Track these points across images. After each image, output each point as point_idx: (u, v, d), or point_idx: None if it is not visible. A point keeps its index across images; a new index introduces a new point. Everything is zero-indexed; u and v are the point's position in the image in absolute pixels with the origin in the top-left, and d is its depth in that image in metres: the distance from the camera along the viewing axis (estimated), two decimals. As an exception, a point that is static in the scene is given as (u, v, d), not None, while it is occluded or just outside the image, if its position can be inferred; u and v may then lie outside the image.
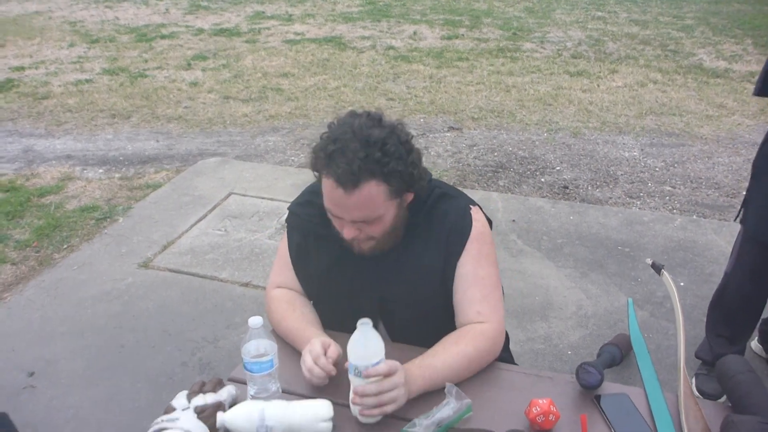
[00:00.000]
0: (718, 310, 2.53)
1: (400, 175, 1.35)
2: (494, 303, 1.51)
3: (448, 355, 1.40)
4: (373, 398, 1.25)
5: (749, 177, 2.32)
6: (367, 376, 1.24)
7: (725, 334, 2.48)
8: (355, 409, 1.27)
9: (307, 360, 1.38)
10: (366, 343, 1.22)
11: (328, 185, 1.35)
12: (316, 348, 1.38)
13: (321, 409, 1.27)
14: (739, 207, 2.41)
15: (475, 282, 1.50)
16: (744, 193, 2.44)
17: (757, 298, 2.43)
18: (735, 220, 2.47)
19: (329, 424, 1.27)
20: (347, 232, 1.40)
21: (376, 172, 1.31)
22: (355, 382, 1.26)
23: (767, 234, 2.23)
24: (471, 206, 1.54)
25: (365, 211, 1.36)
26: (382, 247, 1.47)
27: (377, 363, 1.24)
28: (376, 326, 1.59)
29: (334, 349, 1.39)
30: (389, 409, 1.27)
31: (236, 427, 1.24)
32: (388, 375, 1.26)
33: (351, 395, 1.28)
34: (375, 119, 1.38)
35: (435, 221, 1.50)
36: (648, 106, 5.68)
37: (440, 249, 1.49)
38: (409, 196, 1.46)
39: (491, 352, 1.47)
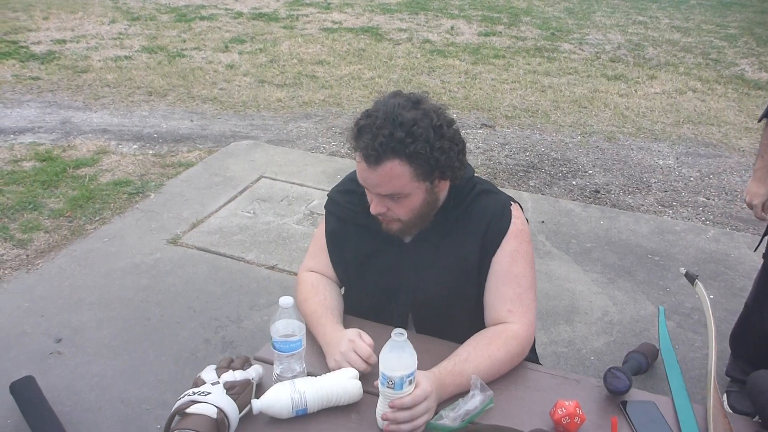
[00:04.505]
0: (740, 342, 2.47)
1: (424, 158, 1.34)
2: (527, 303, 1.48)
3: (479, 359, 1.38)
4: (408, 425, 1.22)
5: None
6: (393, 407, 1.21)
7: (746, 365, 2.42)
8: (381, 423, 1.25)
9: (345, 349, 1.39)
10: (400, 355, 1.19)
11: (357, 158, 1.38)
12: (355, 341, 1.40)
13: (347, 370, 1.33)
14: (761, 236, 2.35)
15: (509, 279, 1.48)
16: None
17: None
18: (754, 251, 2.41)
19: (359, 382, 1.32)
20: (374, 207, 1.41)
21: (398, 151, 1.32)
22: (385, 393, 1.22)
23: None
24: (511, 203, 1.53)
25: (388, 187, 1.36)
26: (410, 230, 1.48)
27: (410, 375, 1.21)
28: (405, 318, 1.60)
29: (368, 341, 1.41)
30: (421, 430, 1.25)
31: (273, 408, 1.26)
32: (416, 404, 1.22)
33: (378, 409, 1.26)
34: (413, 101, 1.37)
35: (474, 215, 1.49)
36: (686, 115, 5.58)
37: (477, 243, 1.48)
38: (443, 184, 1.44)
39: (521, 355, 1.46)
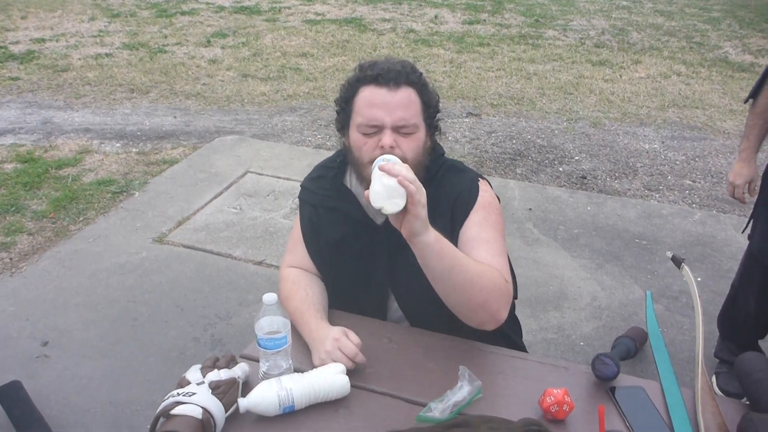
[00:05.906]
0: (728, 323, 2.50)
1: (427, 95, 1.46)
2: (504, 265, 1.44)
3: (465, 257, 1.34)
4: (396, 166, 1.22)
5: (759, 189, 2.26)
6: (382, 169, 1.21)
7: (734, 347, 2.44)
8: (374, 187, 1.22)
9: (331, 348, 1.37)
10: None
11: (368, 93, 1.42)
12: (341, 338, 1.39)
13: (334, 365, 1.33)
14: (747, 218, 2.36)
15: (479, 244, 1.43)
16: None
17: (762, 317, 2.38)
18: (742, 232, 2.42)
19: (346, 377, 1.31)
20: (386, 139, 1.38)
21: (412, 80, 1.43)
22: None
23: None
24: (479, 179, 1.54)
25: (405, 112, 1.40)
26: None
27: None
28: (386, 300, 1.58)
29: (355, 339, 1.39)
30: (400, 201, 1.20)
31: (259, 406, 1.24)
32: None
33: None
34: None
35: (443, 192, 1.50)
36: (671, 99, 5.60)
37: (447, 218, 1.48)
38: (429, 140, 1.49)
39: (497, 292, 1.36)
